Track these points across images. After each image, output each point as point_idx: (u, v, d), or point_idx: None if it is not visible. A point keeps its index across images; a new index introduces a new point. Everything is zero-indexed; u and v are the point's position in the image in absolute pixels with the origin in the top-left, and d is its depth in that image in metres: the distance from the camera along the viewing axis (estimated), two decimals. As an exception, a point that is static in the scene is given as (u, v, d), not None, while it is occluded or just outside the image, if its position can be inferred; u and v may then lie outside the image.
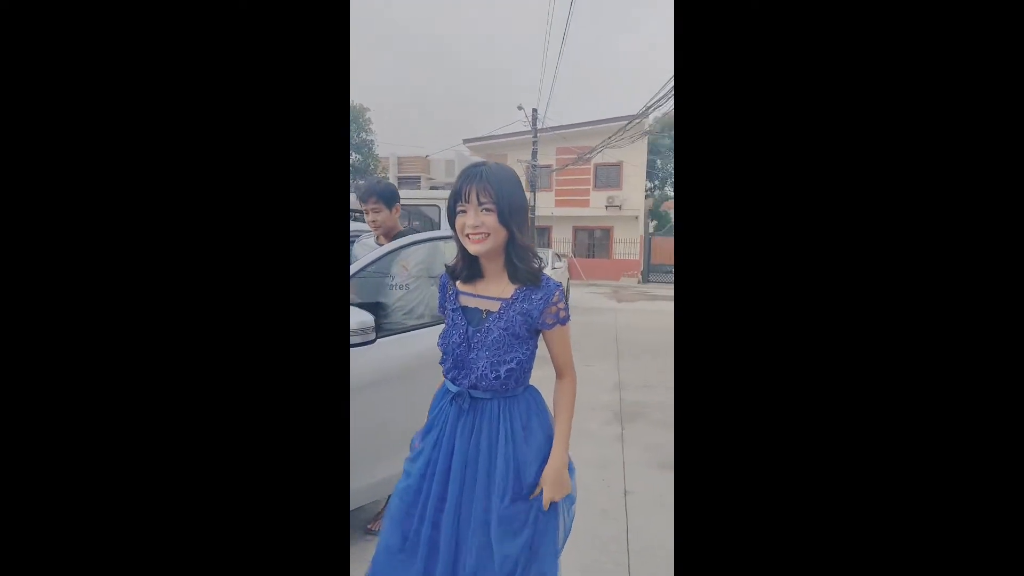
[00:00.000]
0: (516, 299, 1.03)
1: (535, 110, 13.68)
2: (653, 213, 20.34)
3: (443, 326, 1.12)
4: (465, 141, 18.18)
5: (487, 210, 0.98)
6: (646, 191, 18.53)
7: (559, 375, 1.13)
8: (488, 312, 1.05)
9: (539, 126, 13.75)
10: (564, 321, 1.07)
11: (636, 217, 16.68)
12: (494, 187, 0.98)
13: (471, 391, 1.05)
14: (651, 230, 19.03)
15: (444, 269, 1.15)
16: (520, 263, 1.03)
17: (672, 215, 20.63)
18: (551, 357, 1.11)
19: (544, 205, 16.32)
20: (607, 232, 17.21)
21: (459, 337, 1.05)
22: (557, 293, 1.04)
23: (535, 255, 1.05)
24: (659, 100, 6.96)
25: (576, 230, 17.48)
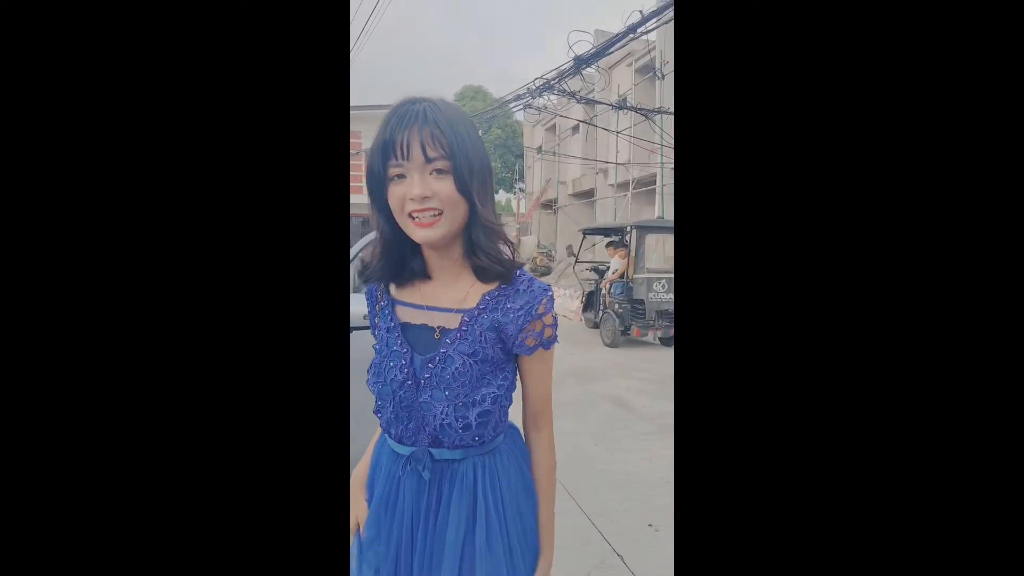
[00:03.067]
0: (484, 308, 0.69)
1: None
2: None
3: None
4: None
5: (439, 172, 0.63)
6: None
7: (534, 424, 0.76)
8: (443, 330, 0.70)
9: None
10: (549, 343, 0.71)
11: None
12: (448, 134, 0.62)
13: (431, 450, 0.70)
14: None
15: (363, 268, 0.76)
16: (486, 253, 0.67)
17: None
18: (524, 395, 0.75)
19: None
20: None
21: (401, 372, 0.69)
22: (545, 301, 0.69)
23: (505, 239, 0.70)
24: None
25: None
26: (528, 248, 15.59)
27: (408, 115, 0.62)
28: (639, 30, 5.34)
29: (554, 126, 17.09)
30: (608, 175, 13.57)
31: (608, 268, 6.68)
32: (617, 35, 5.42)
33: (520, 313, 0.68)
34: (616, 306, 6.09)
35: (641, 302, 5.85)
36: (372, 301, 0.77)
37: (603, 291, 6.46)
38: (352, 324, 1.43)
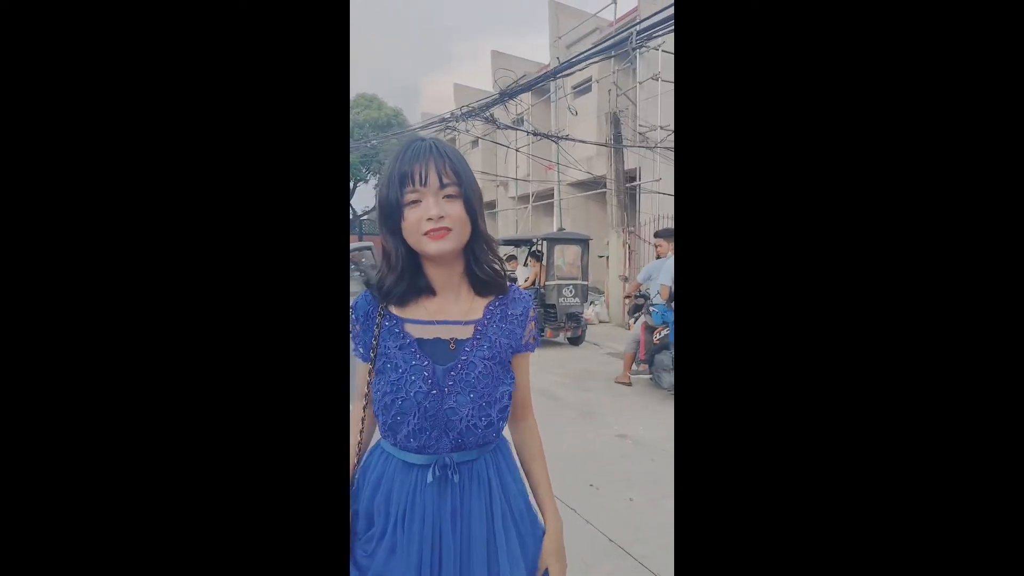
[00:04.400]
0: (492, 317, 0.79)
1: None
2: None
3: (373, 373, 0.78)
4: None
5: (450, 197, 0.73)
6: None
7: (523, 415, 0.86)
8: (456, 340, 0.78)
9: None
10: (538, 342, 0.85)
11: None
12: (457, 165, 0.74)
13: (452, 457, 0.75)
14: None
15: (366, 289, 0.81)
16: (485, 266, 0.79)
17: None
18: (514, 391, 0.81)
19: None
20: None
21: (426, 383, 0.74)
22: (533, 305, 0.84)
23: (497, 255, 0.81)
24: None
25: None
26: (432, 258, 15.77)
27: (422, 149, 0.73)
28: (558, 75, 5.98)
29: (454, 139, 17.46)
30: (508, 188, 14.29)
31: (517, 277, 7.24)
32: (538, 76, 6.00)
33: (521, 317, 0.81)
34: (529, 311, 6.63)
35: (553, 306, 6.46)
36: (368, 321, 0.79)
37: (517, 298, 6.97)
38: None
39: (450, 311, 0.79)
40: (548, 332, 6.51)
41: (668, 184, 8.59)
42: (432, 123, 8.69)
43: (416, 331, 0.77)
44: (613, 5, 10.25)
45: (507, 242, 8.19)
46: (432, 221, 0.71)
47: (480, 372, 0.75)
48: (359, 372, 0.81)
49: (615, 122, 8.53)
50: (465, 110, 7.14)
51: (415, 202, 0.72)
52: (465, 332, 0.78)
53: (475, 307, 0.80)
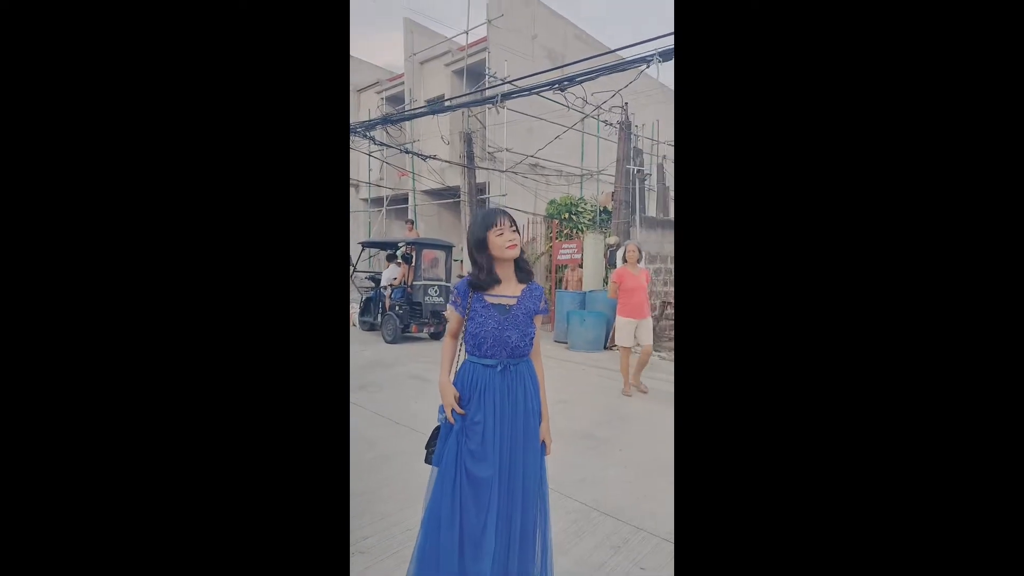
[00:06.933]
0: (525, 295, 1.52)
1: None
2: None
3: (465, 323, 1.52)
4: None
5: (514, 231, 1.49)
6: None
7: (536, 353, 1.58)
8: (510, 305, 1.50)
9: None
10: (547, 310, 1.59)
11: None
12: (513, 220, 1.50)
13: (508, 360, 1.47)
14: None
15: (462, 278, 1.57)
16: (522, 271, 1.54)
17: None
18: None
19: None
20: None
21: (496, 324, 1.46)
22: (543, 291, 1.57)
23: (528, 264, 1.58)
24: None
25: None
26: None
27: (499, 211, 1.52)
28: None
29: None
30: (360, 190, 14.42)
31: (382, 276, 7.78)
32: (420, 109, 6.57)
33: (538, 295, 1.57)
34: (396, 308, 7.16)
35: (419, 304, 7.12)
36: (464, 296, 1.53)
37: (385, 296, 7.49)
38: None
39: (506, 290, 1.52)
40: (414, 328, 7.09)
41: (511, 199, 9.95)
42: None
43: (490, 299, 1.51)
44: (465, 35, 11.35)
45: (370, 244, 8.65)
46: (510, 241, 1.48)
47: (520, 320, 1.49)
48: (455, 321, 1.58)
49: (468, 140, 9.58)
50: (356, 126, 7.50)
51: (501, 233, 1.47)
52: (513, 301, 1.52)
53: (518, 289, 1.54)
